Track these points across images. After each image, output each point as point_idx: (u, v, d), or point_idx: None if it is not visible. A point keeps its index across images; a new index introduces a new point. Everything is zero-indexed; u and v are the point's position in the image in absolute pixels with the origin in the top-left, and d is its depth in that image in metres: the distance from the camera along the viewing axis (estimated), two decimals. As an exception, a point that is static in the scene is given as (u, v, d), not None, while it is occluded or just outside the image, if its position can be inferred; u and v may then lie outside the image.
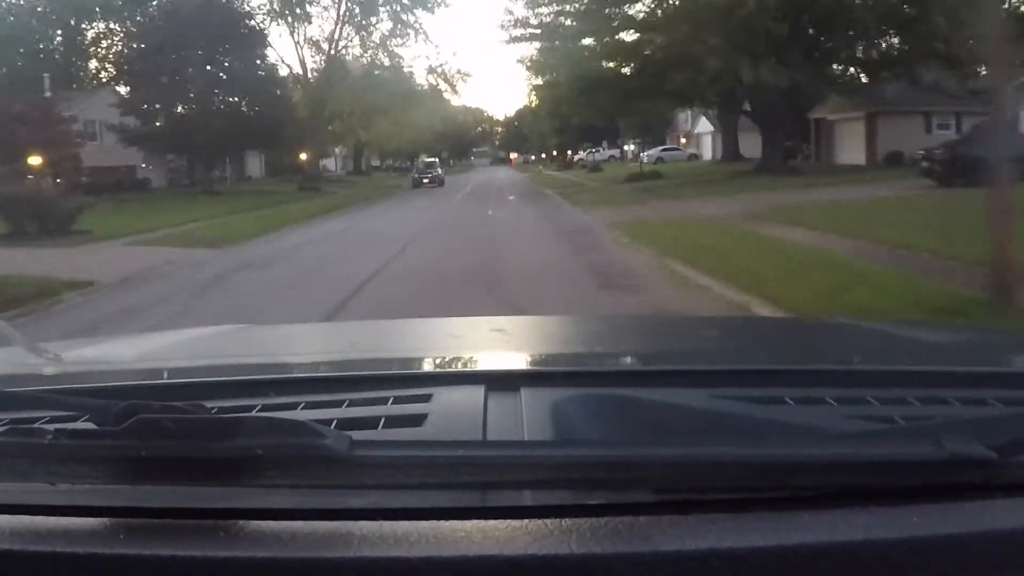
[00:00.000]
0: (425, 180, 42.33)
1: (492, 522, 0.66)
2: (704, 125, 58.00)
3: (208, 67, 33.90)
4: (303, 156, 46.57)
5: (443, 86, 49.16)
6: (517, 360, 1.35)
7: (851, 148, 32.18)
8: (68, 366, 1.36)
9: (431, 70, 48.55)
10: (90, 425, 0.74)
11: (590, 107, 29.81)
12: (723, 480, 0.69)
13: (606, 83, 27.30)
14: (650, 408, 0.85)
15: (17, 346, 1.29)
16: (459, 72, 48.97)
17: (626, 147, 72.23)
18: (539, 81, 35.16)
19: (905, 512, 0.67)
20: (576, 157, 69.56)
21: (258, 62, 36.60)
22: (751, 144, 45.77)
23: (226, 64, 34.46)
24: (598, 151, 74.80)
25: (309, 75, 46.38)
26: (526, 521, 0.66)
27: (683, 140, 67.44)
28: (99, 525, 0.69)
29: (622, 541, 0.63)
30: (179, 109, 34.72)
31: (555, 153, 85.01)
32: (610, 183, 33.02)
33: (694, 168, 40.52)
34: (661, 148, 56.90)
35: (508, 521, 0.66)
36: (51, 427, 0.70)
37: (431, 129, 67.63)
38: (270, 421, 0.72)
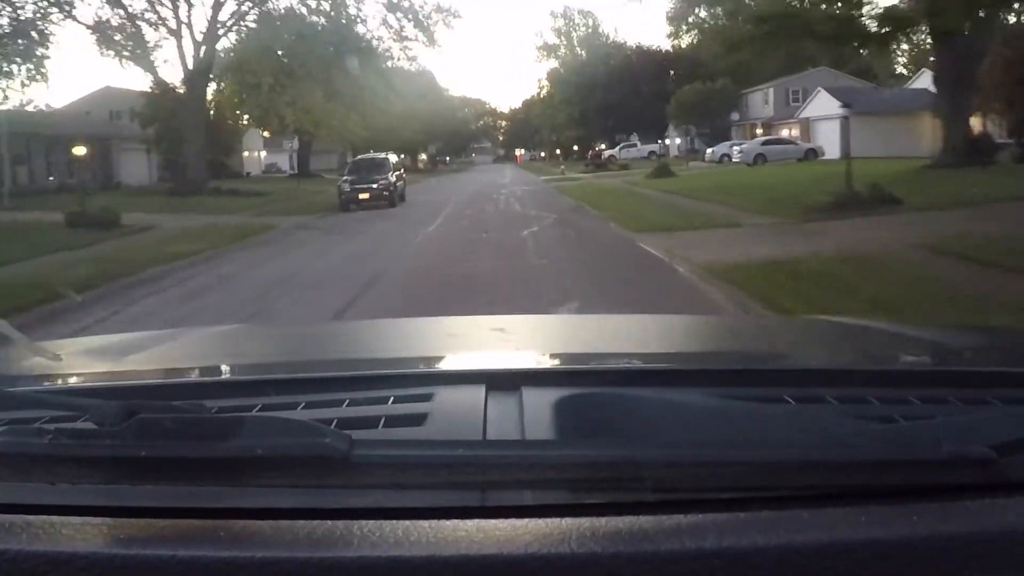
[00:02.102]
0: (362, 196, 22.74)
1: (492, 522, 0.66)
2: (823, 106, 38.66)
3: None
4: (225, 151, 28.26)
5: (412, 33, 30.38)
6: (517, 359, 1.32)
7: None
8: (68, 366, 1.33)
9: (392, 5, 29.53)
10: (90, 425, 0.74)
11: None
12: (723, 480, 0.69)
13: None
14: (650, 408, 0.84)
15: (17, 346, 1.24)
16: (439, 10, 30.09)
17: (669, 140, 54.14)
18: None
19: (905, 512, 0.66)
20: (606, 153, 51.45)
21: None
22: (897, 134, 27.28)
23: None
24: (636, 145, 56.65)
25: (185, 22, 27.53)
26: (526, 521, 0.66)
27: (759, 131, 48.78)
28: (99, 525, 0.68)
29: (622, 541, 0.63)
30: None
31: (575, 148, 68.24)
32: (790, 218, 13.73)
33: (932, 181, 17.64)
34: (762, 140, 37.80)
35: (508, 521, 0.66)
36: (51, 427, 0.70)
37: (411, 114, 49.33)
38: (270, 421, 0.73)
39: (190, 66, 27.88)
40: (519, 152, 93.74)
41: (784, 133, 43.46)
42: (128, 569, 0.62)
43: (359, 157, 26.57)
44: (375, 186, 23.02)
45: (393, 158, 25.97)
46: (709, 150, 42.80)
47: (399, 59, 32.93)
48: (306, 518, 0.67)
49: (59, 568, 0.62)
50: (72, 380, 1.16)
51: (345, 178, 24.04)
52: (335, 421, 0.82)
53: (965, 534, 0.64)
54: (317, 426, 0.70)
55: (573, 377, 1.01)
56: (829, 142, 36.30)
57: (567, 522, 0.65)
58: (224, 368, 1.35)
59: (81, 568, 0.62)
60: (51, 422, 0.78)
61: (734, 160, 36.10)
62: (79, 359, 1.45)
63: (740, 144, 40.81)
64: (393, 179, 23.92)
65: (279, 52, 27.45)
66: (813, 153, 35.68)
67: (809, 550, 0.62)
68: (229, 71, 31.08)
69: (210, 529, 0.66)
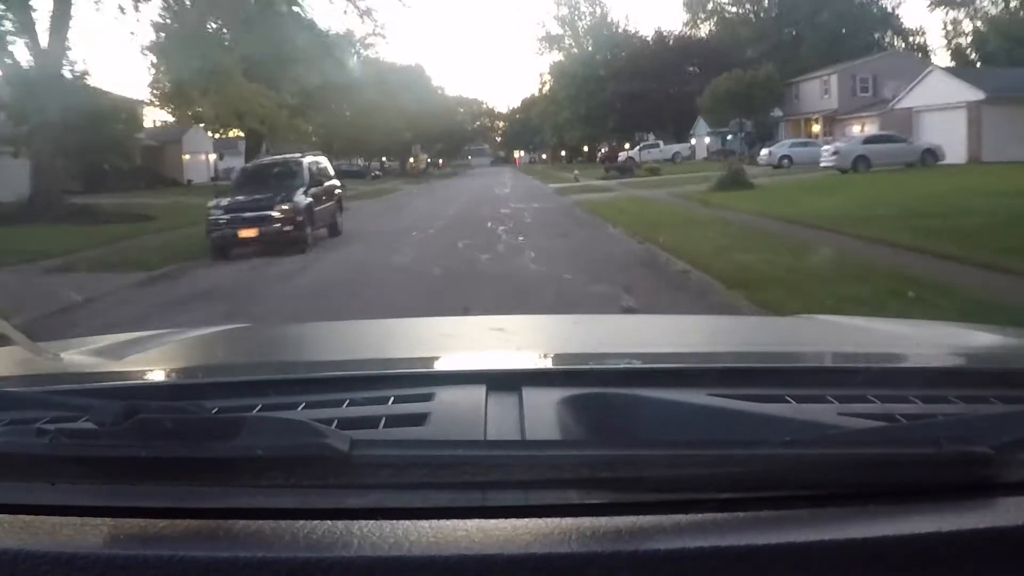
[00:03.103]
0: (245, 233, 12.52)
1: (492, 522, 0.66)
2: (934, 92, 29.24)
3: None
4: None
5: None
6: (518, 360, 1.32)
7: None
8: (68, 366, 1.33)
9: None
10: (90, 425, 0.74)
11: None
12: (723, 480, 0.69)
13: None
14: (650, 408, 0.84)
15: (17, 346, 1.25)
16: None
17: (696, 139, 45.40)
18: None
19: (905, 511, 0.67)
20: (622, 155, 42.76)
21: None
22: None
23: None
24: (659, 145, 48.01)
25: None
26: (526, 521, 0.66)
27: (816, 128, 39.72)
28: (99, 525, 0.68)
29: (622, 541, 0.63)
30: None
31: (584, 149, 59.66)
32: None
33: None
34: (863, 138, 28.36)
35: (508, 521, 0.66)
36: (51, 427, 0.71)
37: (397, 111, 40.54)
38: (270, 421, 0.73)
39: (43, 42, 18.82)
40: (518, 154, 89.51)
41: (855, 129, 34.42)
42: (128, 569, 0.62)
43: (250, 163, 16.61)
44: (273, 215, 12.75)
45: (320, 162, 15.83)
46: (765, 151, 33.75)
47: (346, 12, 23.89)
48: (306, 518, 0.67)
49: (59, 568, 0.62)
50: (72, 380, 1.14)
51: (219, 201, 13.58)
52: (335, 421, 0.82)
53: (965, 533, 0.64)
54: (317, 426, 0.70)
55: (573, 377, 1.00)
56: (947, 140, 26.93)
57: (567, 522, 0.65)
58: (224, 368, 1.35)
59: (81, 568, 0.62)
60: (51, 422, 0.78)
61: (822, 164, 26.87)
62: (79, 359, 1.44)
63: (808, 143, 31.62)
64: (307, 202, 13.63)
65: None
66: (931, 155, 26.37)
67: (809, 550, 0.62)
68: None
69: (210, 529, 0.67)
